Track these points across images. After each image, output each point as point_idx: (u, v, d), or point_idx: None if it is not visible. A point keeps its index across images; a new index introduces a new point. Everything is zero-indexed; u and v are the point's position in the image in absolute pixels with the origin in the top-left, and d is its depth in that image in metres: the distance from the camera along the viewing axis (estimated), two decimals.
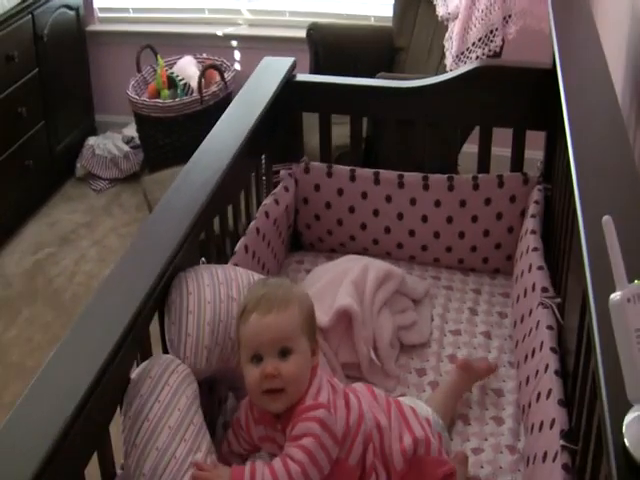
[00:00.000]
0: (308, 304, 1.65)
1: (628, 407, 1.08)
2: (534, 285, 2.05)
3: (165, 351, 1.71)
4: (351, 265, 2.27)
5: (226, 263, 2.08)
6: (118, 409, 1.53)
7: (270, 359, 1.54)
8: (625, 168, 1.70)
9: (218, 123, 2.31)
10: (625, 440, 1.05)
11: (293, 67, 2.61)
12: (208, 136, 2.23)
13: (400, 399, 1.79)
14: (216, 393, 1.91)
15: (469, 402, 2.03)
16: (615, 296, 1.04)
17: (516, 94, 2.47)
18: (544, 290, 2.00)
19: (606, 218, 1.06)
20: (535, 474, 1.66)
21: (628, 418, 1.07)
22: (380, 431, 1.63)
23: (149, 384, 1.53)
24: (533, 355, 1.91)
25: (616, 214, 1.51)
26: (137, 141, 4.31)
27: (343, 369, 2.09)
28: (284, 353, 1.55)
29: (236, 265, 2.06)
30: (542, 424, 1.70)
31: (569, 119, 1.84)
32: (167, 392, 1.54)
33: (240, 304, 1.66)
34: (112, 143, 4.35)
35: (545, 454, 1.63)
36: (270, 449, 1.62)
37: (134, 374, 1.56)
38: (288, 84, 2.56)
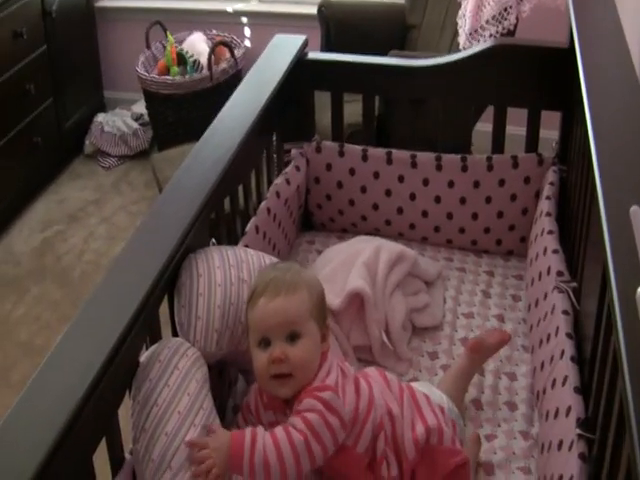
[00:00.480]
0: (318, 288, 1.61)
1: None
2: (549, 269, 2.00)
3: (175, 334, 1.68)
4: (363, 246, 2.23)
5: (236, 244, 2.04)
6: (127, 393, 1.50)
7: (278, 343, 1.51)
8: None
9: (229, 102, 2.26)
10: None
11: (305, 45, 2.56)
12: (219, 115, 2.18)
13: (414, 385, 1.75)
14: (226, 376, 1.88)
15: (482, 386, 1.99)
16: None
17: (531, 74, 2.41)
18: (559, 274, 1.96)
19: (634, 208, 1.02)
20: (550, 462, 1.63)
21: None
22: (392, 419, 1.59)
23: (158, 368, 1.49)
24: (548, 340, 1.87)
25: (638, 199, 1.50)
26: (146, 118, 4.27)
27: (355, 352, 2.06)
28: (292, 337, 1.51)
29: (247, 246, 2.02)
30: (557, 411, 1.66)
31: (588, 99, 1.79)
32: (177, 376, 1.50)
33: (249, 289, 1.62)
34: (121, 120, 4.30)
35: (561, 442, 1.59)
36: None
37: (143, 357, 1.53)
38: (300, 62, 2.51)
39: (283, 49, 2.54)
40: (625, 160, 1.61)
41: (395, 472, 1.57)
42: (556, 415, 1.67)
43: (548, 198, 2.25)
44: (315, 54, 2.65)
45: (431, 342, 2.15)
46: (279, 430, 1.46)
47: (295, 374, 1.51)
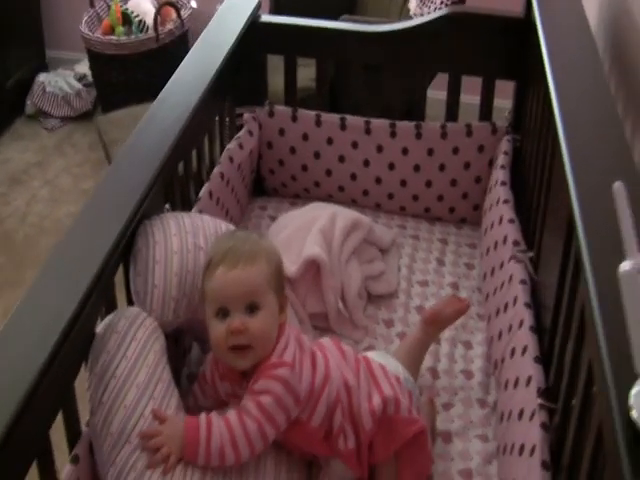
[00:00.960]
0: (276, 258, 1.55)
1: (633, 379, 1.02)
2: (505, 238, 1.98)
3: (130, 303, 1.61)
4: (318, 213, 2.18)
5: (190, 209, 1.97)
6: (82, 366, 1.43)
7: (237, 314, 1.45)
8: (609, 120, 1.64)
9: (182, 65, 2.17)
10: (632, 412, 0.99)
11: (258, 7, 2.48)
12: (172, 78, 2.10)
13: (369, 355, 1.71)
14: (181, 344, 1.82)
15: (438, 355, 1.97)
16: (625, 266, 0.97)
17: (486, 42, 2.37)
18: (516, 244, 1.94)
19: (618, 184, 0.98)
20: (510, 431, 1.61)
21: (635, 390, 1.00)
22: (348, 391, 1.55)
23: (116, 339, 1.43)
24: (506, 309, 1.85)
25: (606, 169, 1.48)
26: (89, 79, 4.13)
27: (310, 320, 2.02)
28: (251, 309, 1.45)
29: (200, 212, 1.96)
30: (517, 381, 1.65)
31: (551, 69, 1.76)
32: (135, 348, 1.44)
33: (206, 257, 1.55)
34: (64, 80, 4.16)
35: (521, 412, 1.57)
36: (237, 406, 1.53)
37: (99, 328, 1.46)
38: (253, 25, 2.43)
39: (236, 11, 2.46)
40: (591, 133, 1.59)
41: (352, 444, 1.54)
42: (516, 384, 1.65)
43: (502, 167, 2.23)
44: (269, 17, 2.58)
45: (386, 310, 2.12)
46: (232, 416, 1.42)
47: (254, 345, 1.45)
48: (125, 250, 1.61)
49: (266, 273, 1.48)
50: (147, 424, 1.38)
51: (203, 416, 1.43)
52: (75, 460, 1.34)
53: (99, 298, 1.46)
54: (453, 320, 1.91)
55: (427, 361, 1.93)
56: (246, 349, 1.45)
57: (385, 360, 1.70)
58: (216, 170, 2.18)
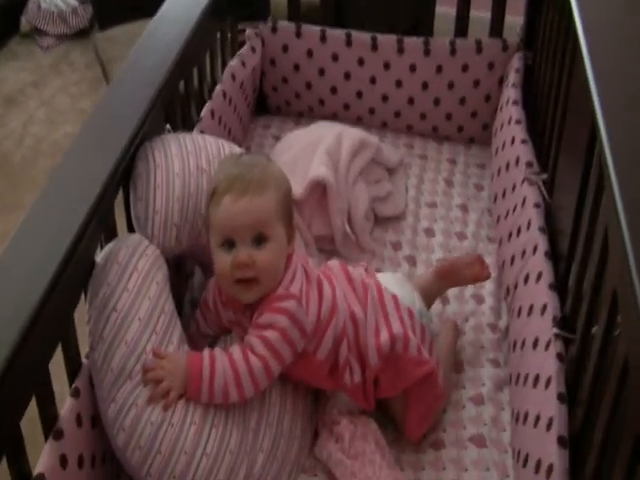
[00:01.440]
0: (285, 186, 1.45)
1: None
2: (518, 159, 1.89)
3: (131, 229, 1.53)
4: (324, 132, 2.07)
5: (191, 130, 1.87)
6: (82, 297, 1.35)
7: (243, 247, 1.35)
8: (632, 25, 1.53)
9: None
10: None
11: None
12: None
13: (383, 280, 1.59)
14: (183, 269, 1.74)
15: None
16: None
17: None
18: (529, 165, 1.84)
19: None
20: (524, 360, 1.54)
21: None
22: (355, 323, 1.47)
23: (117, 270, 1.35)
24: (519, 234, 1.76)
25: (631, 76, 1.38)
26: None
27: (316, 242, 1.93)
28: (259, 240, 1.36)
29: (202, 132, 1.86)
30: (531, 308, 1.57)
31: None
32: (136, 279, 1.36)
33: (211, 183, 1.45)
34: None
35: (536, 340, 1.50)
36: (240, 333, 1.46)
37: (100, 258, 1.37)
38: None
39: None
40: (613, 39, 1.49)
41: (358, 379, 1.47)
42: (530, 312, 1.57)
43: (514, 86, 2.12)
44: None
45: (394, 232, 2.04)
46: (237, 352, 1.35)
47: (261, 279, 1.36)
48: (125, 173, 1.52)
49: (275, 203, 1.38)
50: (149, 360, 1.31)
51: (206, 353, 1.36)
52: (76, 393, 1.27)
53: (99, 224, 1.37)
54: (467, 283, 1.80)
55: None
56: (252, 282, 1.37)
57: (400, 287, 1.59)
58: (218, 88, 2.07)
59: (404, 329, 1.48)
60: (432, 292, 1.72)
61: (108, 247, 1.40)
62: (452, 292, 1.85)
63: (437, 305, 1.81)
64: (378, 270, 1.89)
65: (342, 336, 1.44)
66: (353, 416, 1.51)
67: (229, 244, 1.36)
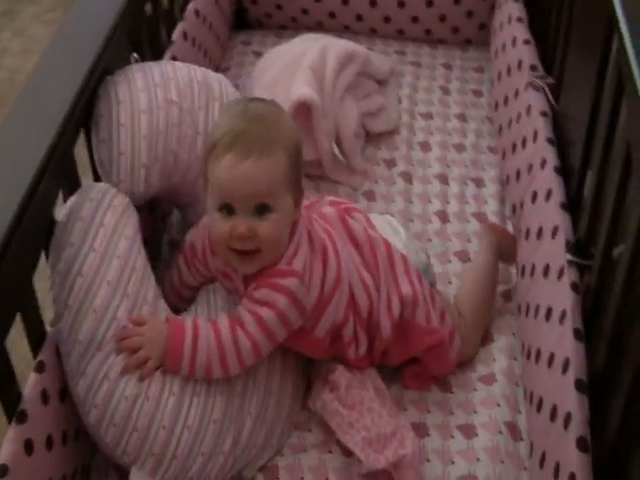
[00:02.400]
0: (295, 144, 1.22)
1: None
2: (520, 62, 1.69)
3: (96, 178, 1.35)
4: (308, 46, 1.86)
5: (162, 56, 1.67)
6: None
7: (244, 216, 1.16)
8: None
9: None
10: None
11: None
12: None
13: (385, 233, 1.40)
14: (158, 209, 1.56)
15: (446, 196, 1.73)
16: None
17: None
18: (533, 68, 1.65)
19: None
20: (534, 290, 1.38)
21: None
22: (368, 291, 1.30)
23: (80, 228, 1.18)
24: (524, 145, 1.58)
25: None
26: None
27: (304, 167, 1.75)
28: (261, 210, 1.16)
29: (174, 58, 1.66)
30: (541, 231, 1.40)
31: None
32: (102, 236, 1.19)
33: (212, 131, 1.23)
34: None
35: (547, 268, 1.34)
36: (228, 286, 1.30)
37: (61, 215, 1.20)
38: None
39: None
40: None
41: (364, 351, 1.31)
42: (539, 235, 1.41)
43: None
44: None
45: (387, 149, 1.84)
46: (225, 330, 1.19)
47: (262, 251, 1.18)
48: (85, 114, 1.34)
49: (282, 167, 1.17)
50: (120, 327, 1.15)
51: (190, 323, 1.19)
52: (40, 368, 1.11)
53: (56, 175, 1.20)
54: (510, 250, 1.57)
55: (435, 205, 1.70)
56: (252, 254, 1.18)
57: (407, 244, 1.42)
58: (190, 6, 1.86)
59: (413, 291, 1.31)
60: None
61: (70, 201, 1.23)
62: (452, 210, 1.69)
63: (435, 223, 1.66)
64: (371, 191, 1.72)
65: (347, 315, 1.28)
66: None
67: (228, 210, 1.17)
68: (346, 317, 1.28)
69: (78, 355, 1.12)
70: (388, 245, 1.34)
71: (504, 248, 1.53)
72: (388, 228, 1.43)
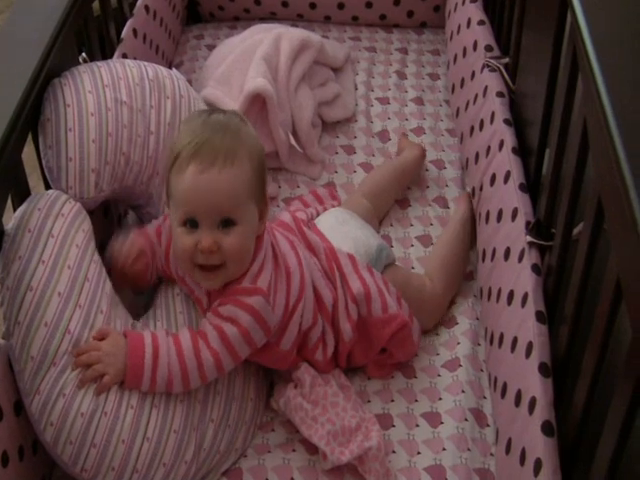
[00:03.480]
0: (259, 152, 1.19)
1: None
2: (475, 43, 1.65)
3: (47, 185, 1.29)
4: (261, 37, 1.80)
5: (112, 55, 1.61)
6: None
7: (208, 230, 1.12)
8: None
9: None
10: None
11: None
12: None
13: (324, 230, 1.38)
14: (113, 211, 1.50)
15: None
16: None
17: None
18: (488, 49, 1.61)
19: None
20: (495, 274, 1.34)
21: None
22: (329, 287, 1.29)
23: (28, 240, 1.12)
24: (482, 128, 1.54)
25: None
26: None
27: None
28: (226, 223, 1.13)
29: (124, 56, 1.60)
30: (501, 213, 1.37)
31: None
32: (52, 247, 1.14)
33: (173, 144, 1.18)
34: None
35: (507, 251, 1.30)
36: (187, 291, 1.27)
37: (9, 226, 1.15)
38: None
39: None
40: None
41: (330, 353, 1.29)
42: (499, 217, 1.37)
43: None
44: None
45: (345, 137, 1.80)
46: (186, 341, 1.15)
47: (227, 264, 1.15)
48: (32, 118, 1.28)
49: (247, 176, 1.14)
50: (74, 340, 1.10)
51: (149, 339, 1.14)
52: None
53: (4, 181, 1.15)
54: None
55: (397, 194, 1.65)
56: (216, 269, 1.15)
57: (356, 234, 1.40)
58: (140, 2, 1.79)
59: (364, 287, 1.29)
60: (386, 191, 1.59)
61: (19, 211, 1.17)
62: (413, 195, 1.66)
63: (397, 211, 1.62)
64: (331, 183, 1.69)
65: (315, 315, 1.26)
66: None
67: (192, 223, 1.13)
68: (315, 319, 1.25)
69: (31, 372, 1.07)
70: (333, 250, 1.33)
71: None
72: (334, 222, 1.40)
